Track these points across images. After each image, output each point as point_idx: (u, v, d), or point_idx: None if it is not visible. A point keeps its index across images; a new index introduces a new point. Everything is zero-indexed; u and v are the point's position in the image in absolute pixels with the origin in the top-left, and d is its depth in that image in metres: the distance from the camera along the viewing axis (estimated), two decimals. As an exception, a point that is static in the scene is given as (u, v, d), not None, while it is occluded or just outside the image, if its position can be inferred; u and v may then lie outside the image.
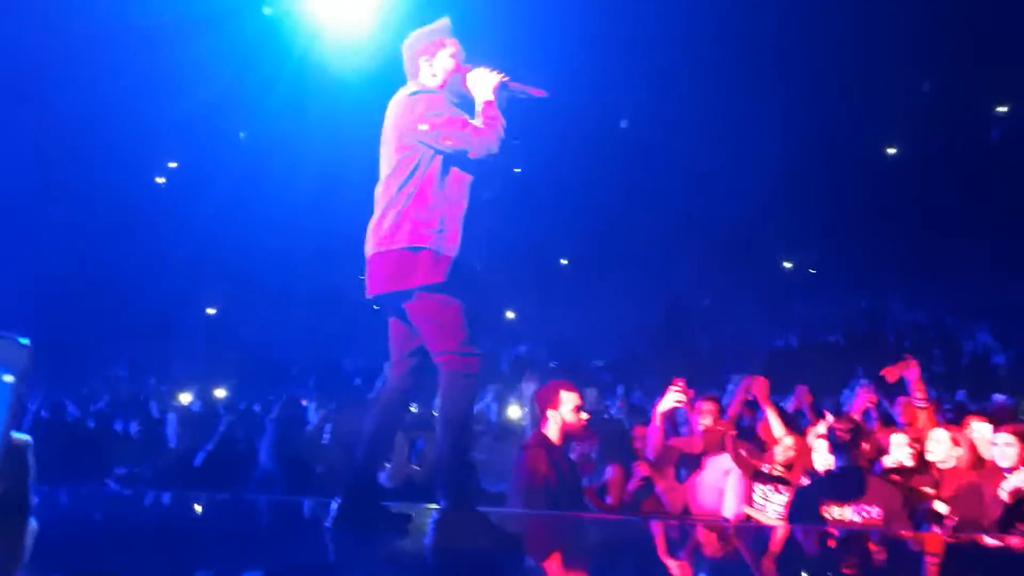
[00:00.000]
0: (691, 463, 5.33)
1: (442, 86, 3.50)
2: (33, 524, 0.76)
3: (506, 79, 3.47)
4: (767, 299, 17.89)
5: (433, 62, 3.53)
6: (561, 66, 13.67)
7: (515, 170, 3.28)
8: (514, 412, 7.05)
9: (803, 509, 4.61)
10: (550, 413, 4.54)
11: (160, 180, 19.09)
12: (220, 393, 11.48)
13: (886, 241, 18.33)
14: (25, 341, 0.73)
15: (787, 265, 20.67)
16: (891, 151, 20.51)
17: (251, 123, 15.01)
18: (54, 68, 13.01)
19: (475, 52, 3.71)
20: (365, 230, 3.51)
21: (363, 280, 3.55)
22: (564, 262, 23.11)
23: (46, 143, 14.36)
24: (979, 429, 5.03)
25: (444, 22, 3.59)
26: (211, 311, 20.30)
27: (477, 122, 3.35)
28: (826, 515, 4.44)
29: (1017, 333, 12.43)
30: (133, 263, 16.46)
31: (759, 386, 5.64)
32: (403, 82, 3.62)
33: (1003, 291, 15.59)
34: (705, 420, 5.39)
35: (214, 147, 15.58)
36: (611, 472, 5.53)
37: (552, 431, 4.49)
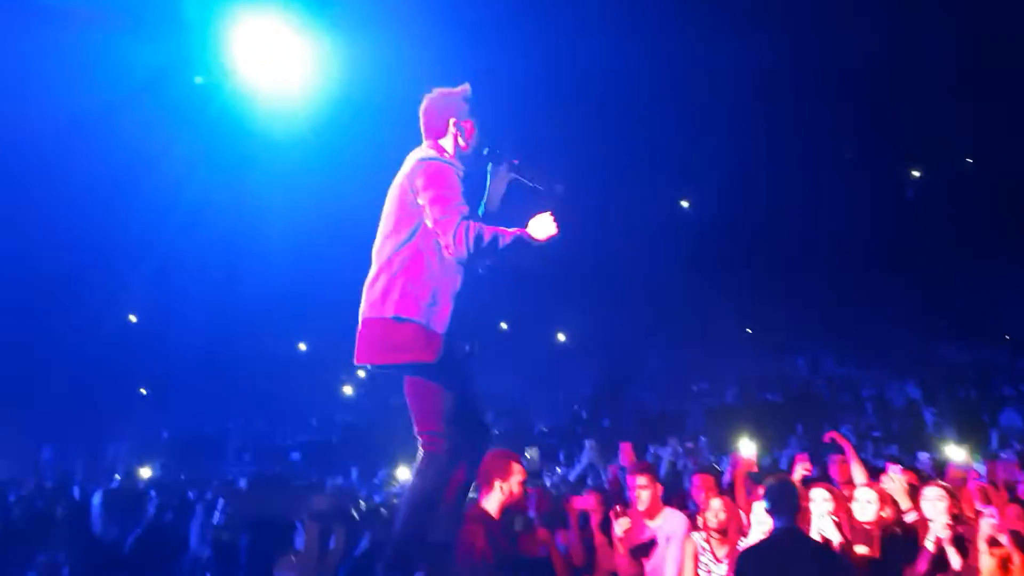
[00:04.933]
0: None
1: (465, 149, 3.46)
2: None
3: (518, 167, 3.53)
4: (706, 359, 18.19)
5: (463, 128, 3.46)
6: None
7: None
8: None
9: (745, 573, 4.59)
10: (498, 484, 4.37)
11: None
12: (148, 473, 11.03)
13: (820, 302, 18.92)
14: None
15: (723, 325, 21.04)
16: (819, 216, 21.33)
17: (181, 193, 14.75)
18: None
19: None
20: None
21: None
22: (504, 326, 23.16)
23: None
24: (897, 481, 5.16)
25: (466, 88, 3.52)
26: (143, 392, 19.66)
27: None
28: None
29: (943, 390, 12.88)
30: (57, 338, 15.87)
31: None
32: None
33: (929, 349, 16.22)
34: (643, 494, 5.25)
35: (142, 219, 15.23)
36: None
37: (492, 504, 4.37)
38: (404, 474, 8.58)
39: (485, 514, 4.33)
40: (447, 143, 3.46)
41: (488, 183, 3.59)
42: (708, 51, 14.60)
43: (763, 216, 19.69)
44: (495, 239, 3.20)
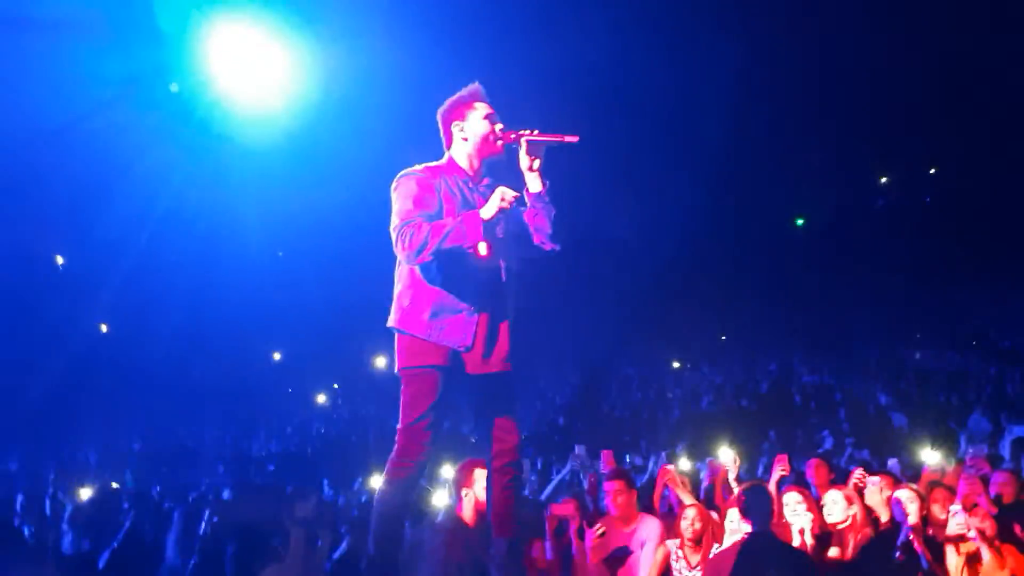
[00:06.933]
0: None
1: (478, 146, 3.43)
2: None
3: (533, 134, 3.35)
4: (680, 367, 18.32)
5: (464, 126, 3.44)
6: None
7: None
8: (432, 494, 6.88)
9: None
10: (464, 492, 4.45)
11: (59, 260, 18.42)
12: (119, 485, 10.85)
13: (792, 309, 19.17)
14: None
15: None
16: (799, 223, 21.71)
17: (154, 201, 14.54)
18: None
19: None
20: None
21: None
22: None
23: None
24: (876, 487, 5.23)
25: (475, 86, 3.48)
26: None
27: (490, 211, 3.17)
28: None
29: (913, 394, 13.07)
30: (26, 348, 15.57)
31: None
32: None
33: (897, 355, 16.48)
34: (618, 499, 5.29)
35: (114, 226, 15.02)
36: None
37: (467, 511, 4.41)
38: (377, 483, 8.51)
39: (460, 522, 4.37)
40: (458, 151, 3.47)
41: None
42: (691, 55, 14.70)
43: (735, 224, 19.96)
44: (432, 230, 3.17)
